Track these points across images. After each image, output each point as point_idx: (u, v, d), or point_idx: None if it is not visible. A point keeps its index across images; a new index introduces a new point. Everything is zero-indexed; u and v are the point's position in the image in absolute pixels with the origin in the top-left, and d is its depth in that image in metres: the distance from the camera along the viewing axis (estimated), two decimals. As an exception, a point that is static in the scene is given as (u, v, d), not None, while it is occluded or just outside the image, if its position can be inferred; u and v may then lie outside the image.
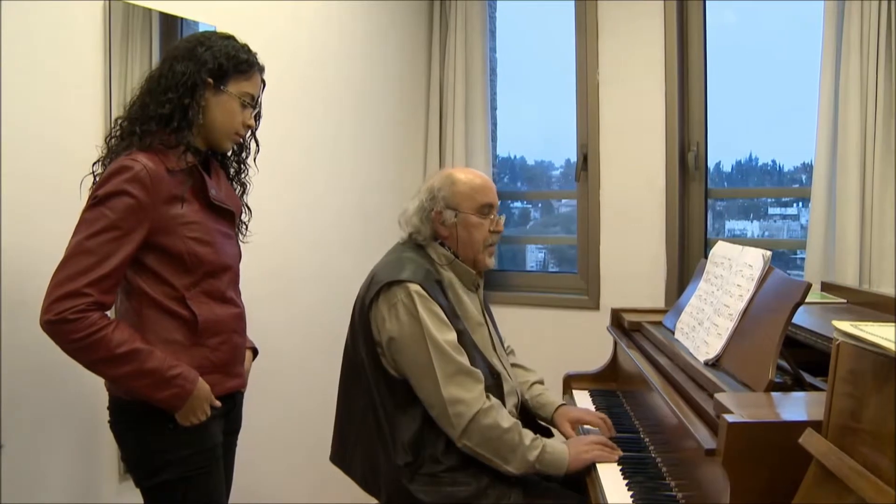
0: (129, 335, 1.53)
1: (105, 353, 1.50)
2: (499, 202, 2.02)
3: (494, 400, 1.80)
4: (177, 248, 1.60)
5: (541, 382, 2.16)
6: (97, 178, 1.63)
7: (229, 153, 1.82)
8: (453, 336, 1.80)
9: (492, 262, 2.01)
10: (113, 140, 1.66)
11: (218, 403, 1.66)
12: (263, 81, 1.76)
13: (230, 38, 1.72)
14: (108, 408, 1.68)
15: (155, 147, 1.59)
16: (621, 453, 1.78)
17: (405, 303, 1.79)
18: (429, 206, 1.94)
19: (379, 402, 1.84)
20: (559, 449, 1.79)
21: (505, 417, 1.78)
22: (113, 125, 1.69)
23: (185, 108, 1.63)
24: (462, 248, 1.95)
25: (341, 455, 1.98)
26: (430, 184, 1.99)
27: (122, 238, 1.52)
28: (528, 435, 1.79)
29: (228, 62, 1.66)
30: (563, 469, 1.77)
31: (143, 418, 1.61)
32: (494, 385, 1.87)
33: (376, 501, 1.90)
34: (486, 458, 1.76)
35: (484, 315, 2.04)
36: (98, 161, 1.67)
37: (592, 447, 1.79)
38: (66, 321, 1.46)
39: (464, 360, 1.79)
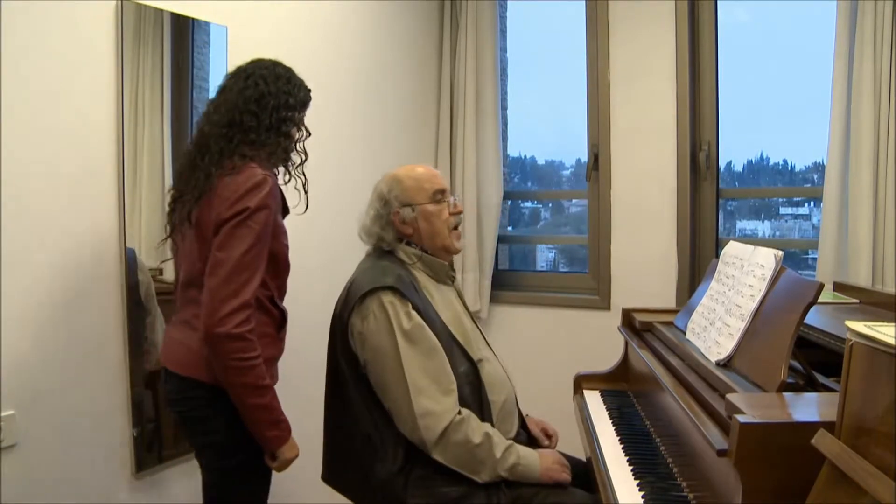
0: (266, 370, 1.70)
1: (254, 380, 1.66)
2: (449, 187, 2.06)
3: (465, 412, 1.79)
4: (276, 252, 1.79)
5: None
6: (210, 181, 1.71)
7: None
8: (431, 340, 1.80)
9: (460, 245, 2.05)
10: (217, 144, 1.74)
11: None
12: None
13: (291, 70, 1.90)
14: (189, 397, 1.76)
15: (274, 159, 1.79)
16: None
17: (377, 314, 1.79)
18: (385, 212, 1.97)
19: (366, 413, 1.83)
20: (531, 462, 1.81)
21: (476, 431, 1.77)
22: (207, 129, 1.76)
23: (291, 126, 1.83)
24: (428, 240, 1.97)
25: (333, 472, 1.98)
26: (378, 192, 2.00)
27: (264, 248, 1.71)
28: (499, 446, 1.78)
29: (306, 96, 1.90)
30: (535, 480, 1.80)
31: (230, 403, 1.71)
32: (472, 373, 1.86)
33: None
34: (458, 469, 1.76)
35: (462, 306, 2.05)
36: (203, 154, 1.74)
37: (556, 465, 1.84)
38: (242, 338, 1.62)
39: (437, 366, 1.78)
